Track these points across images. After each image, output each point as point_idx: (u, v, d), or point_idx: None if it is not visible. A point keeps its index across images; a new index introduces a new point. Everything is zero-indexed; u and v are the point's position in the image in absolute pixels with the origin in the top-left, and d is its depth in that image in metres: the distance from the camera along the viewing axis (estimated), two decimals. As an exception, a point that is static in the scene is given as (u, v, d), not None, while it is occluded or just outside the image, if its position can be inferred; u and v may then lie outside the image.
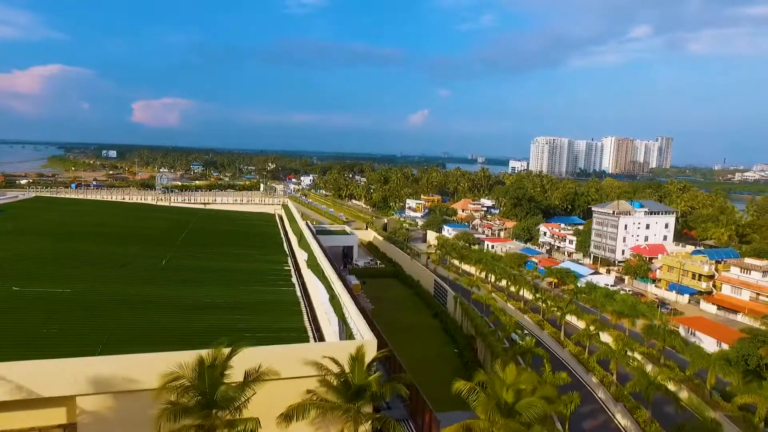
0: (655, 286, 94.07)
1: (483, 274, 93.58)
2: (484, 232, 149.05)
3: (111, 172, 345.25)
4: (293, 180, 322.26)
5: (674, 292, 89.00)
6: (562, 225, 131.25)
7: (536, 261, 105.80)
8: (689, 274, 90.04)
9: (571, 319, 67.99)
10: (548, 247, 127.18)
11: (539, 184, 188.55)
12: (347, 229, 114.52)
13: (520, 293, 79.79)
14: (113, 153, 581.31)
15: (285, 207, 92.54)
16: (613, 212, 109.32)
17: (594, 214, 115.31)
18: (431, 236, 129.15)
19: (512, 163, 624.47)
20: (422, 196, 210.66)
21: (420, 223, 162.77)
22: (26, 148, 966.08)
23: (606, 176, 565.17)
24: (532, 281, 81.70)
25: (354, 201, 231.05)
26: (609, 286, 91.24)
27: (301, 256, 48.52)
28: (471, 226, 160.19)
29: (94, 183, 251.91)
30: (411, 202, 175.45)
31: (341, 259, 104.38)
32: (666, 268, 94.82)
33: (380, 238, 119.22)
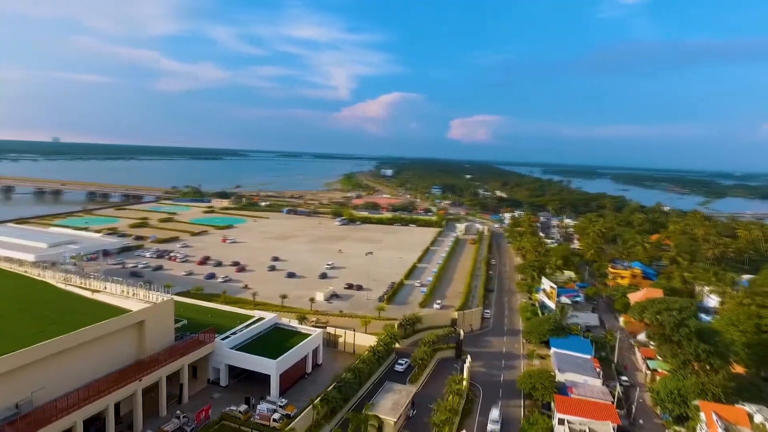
0: None
1: None
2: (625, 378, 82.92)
3: (348, 195, 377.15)
4: (499, 215, 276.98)
5: None
6: (752, 407, 58.01)
7: None
8: None
9: None
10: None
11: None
12: (315, 333, 79.58)
13: None
14: (389, 172, 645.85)
15: (163, 305, 67.30)
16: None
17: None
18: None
19: None
20: (609, 269, 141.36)
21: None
22: (356, 163, 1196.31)
23: None
24: None
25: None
26: None
27: None
28: (635, 340, 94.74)
29: (302, 209, 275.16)
30: (546, 283, 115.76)
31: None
32: None
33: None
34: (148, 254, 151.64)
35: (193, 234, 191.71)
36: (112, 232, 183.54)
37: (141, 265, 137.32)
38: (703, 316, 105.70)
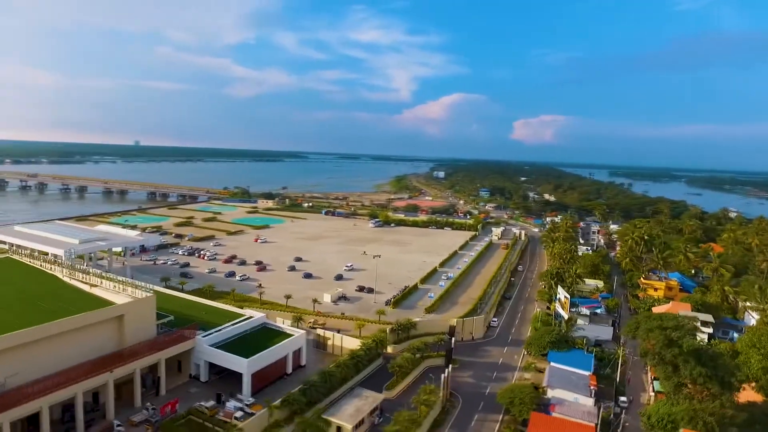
0: None
1: None
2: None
3: (393, 197, 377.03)
4: (542, 219, 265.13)
5: None
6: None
7: None
8: None
9: None
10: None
11: None
12: (298, 334, 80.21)
13: None
14: (441, 174, 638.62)
15: (145, 300, 70.53)
16: None
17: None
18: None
19: None
20: (641, 280, 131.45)
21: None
22: (414, 165, 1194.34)
23: None
24: None
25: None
26: None
27: None
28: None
29: (340, 211, 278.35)
30: (561, 292, 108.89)
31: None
32: None
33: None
34: (180, 251, 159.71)
35: (229, 233, 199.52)
36: (157, 230, 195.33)
37: (170, 262, 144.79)
38: (735, 335, 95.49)
